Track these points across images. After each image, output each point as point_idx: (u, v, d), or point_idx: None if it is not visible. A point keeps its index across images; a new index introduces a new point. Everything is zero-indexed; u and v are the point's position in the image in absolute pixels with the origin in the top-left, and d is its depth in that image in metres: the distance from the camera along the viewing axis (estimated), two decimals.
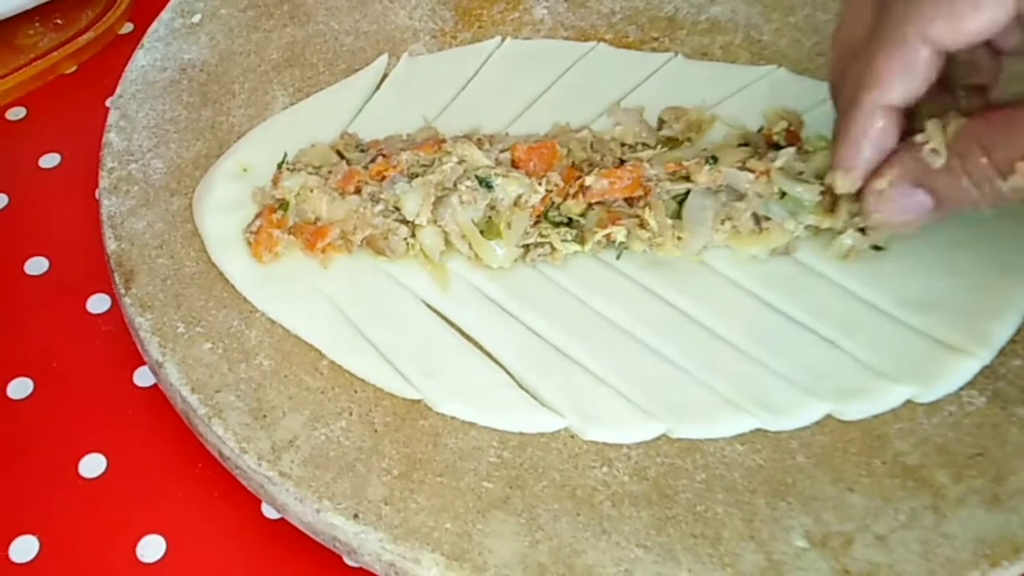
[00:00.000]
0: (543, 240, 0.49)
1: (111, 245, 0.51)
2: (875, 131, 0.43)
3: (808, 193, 0.47)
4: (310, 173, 0.51)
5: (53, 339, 0.53)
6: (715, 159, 0.49)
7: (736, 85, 0.56)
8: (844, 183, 0.44)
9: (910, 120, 0.43)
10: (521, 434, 0.44)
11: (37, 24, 0.65)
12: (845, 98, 0.44)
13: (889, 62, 0.41)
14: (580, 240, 0.49)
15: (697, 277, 0.49)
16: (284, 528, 0.45)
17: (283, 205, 0.50)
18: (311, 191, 0.50)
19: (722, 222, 0.48)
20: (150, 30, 0.61)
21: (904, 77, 0.41)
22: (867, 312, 0.47)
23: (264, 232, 0.50)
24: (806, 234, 0.49)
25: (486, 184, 0.49)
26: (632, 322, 0.47)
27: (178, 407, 0.47)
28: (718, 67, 0.58)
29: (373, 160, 0.51)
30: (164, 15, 0.61)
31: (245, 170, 0.53)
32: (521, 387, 0.46)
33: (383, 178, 0.50)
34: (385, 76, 0.58)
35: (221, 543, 0.46)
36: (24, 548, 0.45)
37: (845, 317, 0.47)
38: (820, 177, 0.48)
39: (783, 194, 0.48)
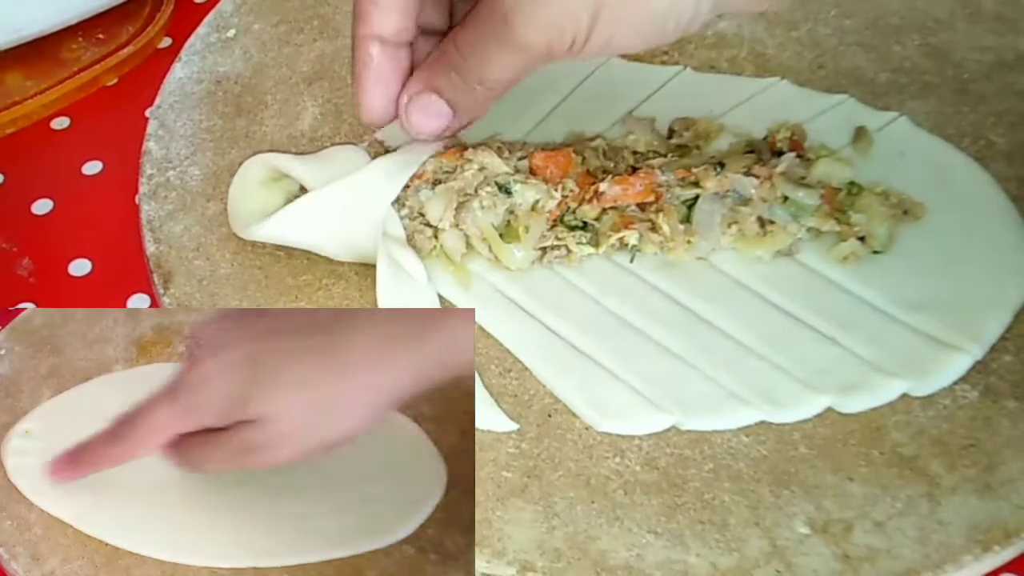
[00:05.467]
0: (559, 243, 0.50)
1: (150, 248, 0.52)
2: (372, 62, 0.44)
3: (809, 198, 0.49)
4: None
5: None
6: (722, 165, 0.50)
7: (742, 96, 0.57)
8: (362, 115, 0.46)
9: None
10: (538, 426, 0.45)
11: (80, 39, 0.66)
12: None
13: None
14: (595, 243, 0.50)
15: (705, 278, 0.50)
16: None
17: None
18: None
19: (729, 226, 0.50)
20: (187, 44, 0.63)
21: (381, 10, 0.43)
22: (865, 311, 0.48)
23: None
24: (808, 236, 0.50)
25: (505, 190, 0.50)
26: (644, 320, 0.49)
27: None
28: (725, 79, 0.59)
29: None
30: (200, 30, 0.63)
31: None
32: (538, 382, 0.47)
33: (408, 185, 0.51)
34: None
35: None
36: None
37: (845, 315, 0.48)
38: (821, 183, 0.50)
39: (786, 198, 0.49)
